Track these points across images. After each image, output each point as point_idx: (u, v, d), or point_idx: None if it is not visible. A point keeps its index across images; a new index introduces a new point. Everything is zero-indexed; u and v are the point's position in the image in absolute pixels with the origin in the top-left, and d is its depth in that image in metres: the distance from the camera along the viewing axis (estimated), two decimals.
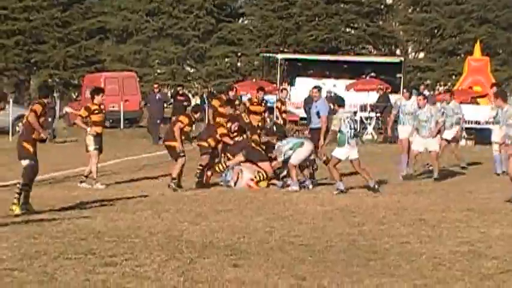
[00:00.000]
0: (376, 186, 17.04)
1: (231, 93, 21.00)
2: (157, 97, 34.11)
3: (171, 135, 17.53)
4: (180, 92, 37.10)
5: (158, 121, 33.02)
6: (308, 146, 17.71)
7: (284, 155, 17.55)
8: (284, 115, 23.90)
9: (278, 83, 41.03)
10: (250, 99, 22.05)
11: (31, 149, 13.83)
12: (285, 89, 28.21)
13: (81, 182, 17.71)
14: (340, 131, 16.91)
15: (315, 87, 20.39)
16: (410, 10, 55.36)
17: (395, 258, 10.26)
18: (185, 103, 34.71)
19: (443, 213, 14.06)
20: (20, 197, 13.57)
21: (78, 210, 14.00)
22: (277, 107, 24.23)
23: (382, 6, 54.36)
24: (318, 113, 19.20)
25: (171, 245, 10.85)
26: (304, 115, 37.79)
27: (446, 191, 17.40)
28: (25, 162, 13.82)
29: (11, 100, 38.08)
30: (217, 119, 19.61)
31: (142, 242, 11.03)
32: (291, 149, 17.54)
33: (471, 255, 10.54)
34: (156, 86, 35.64)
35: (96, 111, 17.76)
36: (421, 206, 14.96)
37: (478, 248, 10.97)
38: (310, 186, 17.62)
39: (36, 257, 10.02)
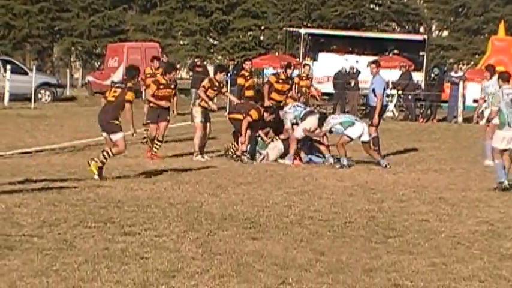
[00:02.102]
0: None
1: (247, 65, 20.84)
2: None
3: (237, 109, 17.89)
4: (198, 63, 36.59)
5: None
6: (360, 125, 17.58)
7: (333, 128, 17.44)
8: (304, 89, 23.58)
9: (301, 57, 40.88)
10: (277, 75, 20.72)
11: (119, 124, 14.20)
12: (307, 64, 27.57)
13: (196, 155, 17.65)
14: (499, 110, 14.69)
15: (373, 62, 19.89)
16: None
17: (414, 236, 10.23)
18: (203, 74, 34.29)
19: (463, 193, 13.99)
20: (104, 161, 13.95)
21: (99, 179, 14.01)
22: (296, 83, 23.95)
23: None
24: (373, 90, 18.84)
25: (190, 216, 10.86)
26: (327, 90, 37.77)
27: (466, 170, 17.31)
28: (118, 136, 14.12)
29: (34, 67, 38.24)
30: (272, 95, 19.48)
31: (161, 213, 11.05)
32: (341, 124, 17.47)
33: (490, 234, 10.49)
34: (164, 55, 34.50)
35: (215, 88, 17.94)
36: (441, 185, 14.90)
37: (497, 228, 10.93)
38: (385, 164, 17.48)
39: (55, 224, 10.06)
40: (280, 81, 20.06)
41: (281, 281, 7.88)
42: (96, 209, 11.12)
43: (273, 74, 21.21)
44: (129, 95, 14.12)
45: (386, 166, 17.26)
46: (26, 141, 19.78)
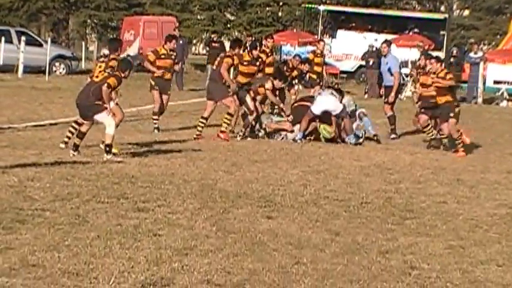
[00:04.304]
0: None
1: (269, 42, 20.37)
2: (180, 42, 30.58)
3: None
4: (215, 39, 36.31)
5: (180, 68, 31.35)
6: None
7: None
8: (317, 68, 23.02)
9: (319, 34, 40.66)
10: (241, 56, 17.71)
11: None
12: (322, 40, 27.08)
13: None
14: None
15: (385, 41, 19.78)
16: None
17: (431, 218, 10.14)
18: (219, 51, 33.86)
19: (481, 174, 13.89)
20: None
21: (112, 154, 13.91)
22: (310, 59, 23.58)
23: None
24: (389, 70, 18.75)
25: (204, 194, 10.78)
26: (345, 68, 37.56)
27: (486, 151, 17.16)
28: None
29: (49, 39, 38.09)
30: (238, 77, 17.76)
31: (175, 189, 10.98)
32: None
33: (509, 218, 10.39)
34: (177, 30, 34.01)
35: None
36: (460, 166, 14.78)
37: None
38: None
39: (68, 198, 10.00)
40: (245, 63, 17.87)
41: (296, 261, 7.82)
42: (110, 184, 11.04)
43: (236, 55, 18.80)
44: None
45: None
46: (40, 114, 19.68)
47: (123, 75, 13.50)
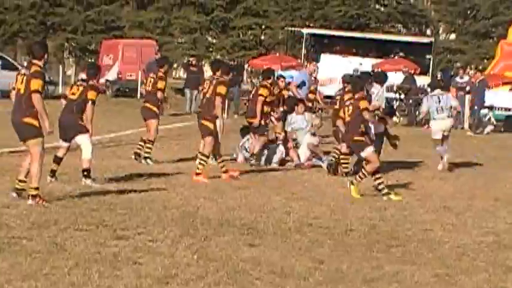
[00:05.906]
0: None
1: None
2: None
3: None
4: (193, 63, 36.10)
5: None
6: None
7: None
8: (311, 94, 22.36)
9: (302, 58, 40.64)
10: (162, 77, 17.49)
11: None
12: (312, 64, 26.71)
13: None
14: None
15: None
16: None
17: (417, 245, 10.11)
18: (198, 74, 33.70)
19: (468, 202, 13.87)
20: None
21: (91, 180, 13.76)
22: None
23: None
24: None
25: (185, 221, 10.71)
26: (329, 93, 37.38)
27: (472, 178, 17.13)
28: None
29: (25, 63, 37.91)
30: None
31: (155, 216, 10.90)
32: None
33: (496, 246, 10.37)
34: (157, 53, 33.82)
35: None
36: (446, 193, 14.76)
37: (503, 239, 10.79)
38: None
39: (45, 226, 9.92)
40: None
41: None
42: (88, 211, 10.95)
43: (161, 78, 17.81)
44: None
45: None
46: (16, 140, 19.29)
47: (95, 81, 13.78)
